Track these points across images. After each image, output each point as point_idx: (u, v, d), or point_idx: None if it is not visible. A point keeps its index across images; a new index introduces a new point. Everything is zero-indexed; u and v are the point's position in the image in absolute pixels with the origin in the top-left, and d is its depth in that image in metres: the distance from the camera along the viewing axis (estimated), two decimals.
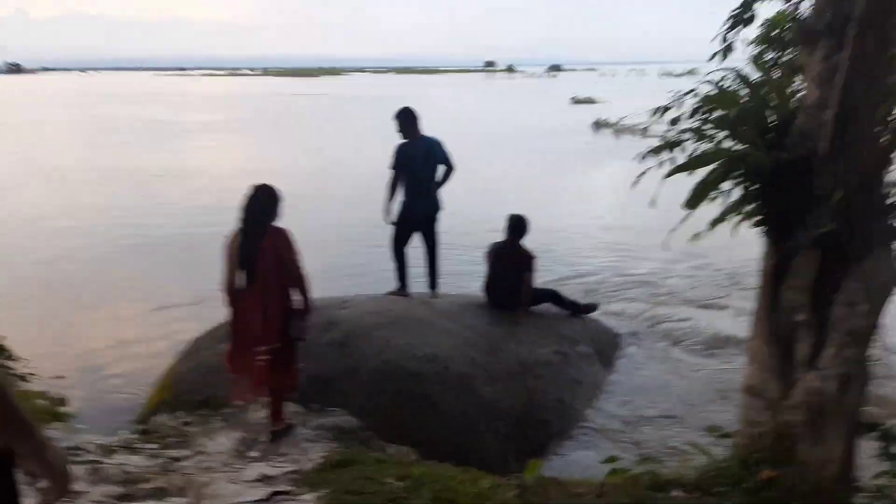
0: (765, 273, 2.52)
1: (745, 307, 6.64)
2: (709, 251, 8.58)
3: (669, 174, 2.49)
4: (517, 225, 5.57)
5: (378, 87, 76.38)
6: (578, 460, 4.10)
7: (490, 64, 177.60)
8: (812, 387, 2.36)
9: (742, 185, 2.50)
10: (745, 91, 2.64)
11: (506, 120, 31.55)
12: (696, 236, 2.63)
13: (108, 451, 3.47)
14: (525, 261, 5.55)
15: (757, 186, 2.38)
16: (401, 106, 5.61)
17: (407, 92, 59.33)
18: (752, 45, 3.75)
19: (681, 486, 2.53)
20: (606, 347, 5.76)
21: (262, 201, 3.69)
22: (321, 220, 10.60)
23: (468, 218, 10.27)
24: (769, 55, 3.57)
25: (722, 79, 2.75)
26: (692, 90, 3.01)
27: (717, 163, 2.42)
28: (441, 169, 5.60)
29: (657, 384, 5.21)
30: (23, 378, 4.53)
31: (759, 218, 2.52)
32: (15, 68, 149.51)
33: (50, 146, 22.45)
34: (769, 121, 2.41)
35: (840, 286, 2.31)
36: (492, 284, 5.61)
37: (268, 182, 3.81)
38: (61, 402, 4.22)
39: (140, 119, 33.01)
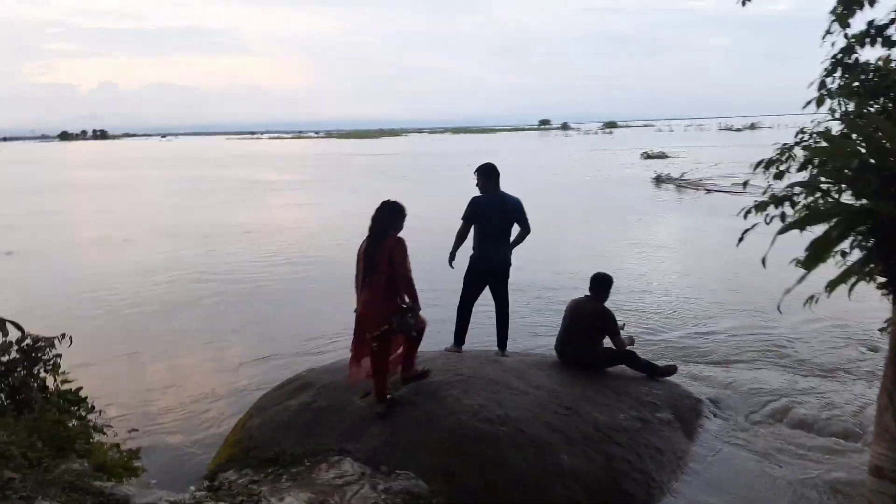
0: (894, 339, 2.26)
1: (860, 378, 6.19)
2: (817, 311, 8.13)
3: (782, 231, 2.31)
4: (600, 283, 5.39)
5: (439, 145, 78.45)
6: None
7: (545, 122, 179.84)
8: None
9: (866, 243, 2.28)
10: (856, 140, 2.47)
11: (573, 174, 31.59)
12: (812, 300, 2.42)
13: None
14: (604, 320, 5.33)
15: (883, 243, 2.17)
16: (483, 162, 5.63)
17: (472, 149, 60.79)
18: (843, 91, 3.58)
19: None
20: (687, 414, 5.38)
21: (387, 213, 4.39)
22: None
23: (541, 275, 10.17)
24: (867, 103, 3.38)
25: (825, 130, 2.59)
26: (797, 142, 2.84)
27: (837, 218, 2.23)
28: (516, 228, 5.53)
29: (746, 462, 4.78)
30: (99, 430, 4.57)
31: (885, 279, 2.29)
32: (100, 134, 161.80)
33: (146, 204, 23.84)
34: (893, 172, 2.22)
35: None
36: (566, 342, 5.40)
37: (393, 199, 4.46)
38: (134, 455, 4.22)
39: (227, 179, 34.95)
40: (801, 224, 2.35)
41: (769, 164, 4.92)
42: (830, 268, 2.44)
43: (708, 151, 43.55)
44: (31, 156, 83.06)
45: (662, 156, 40.35)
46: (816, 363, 6.65)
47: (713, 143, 54.77)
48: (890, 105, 3.29)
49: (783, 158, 5.10)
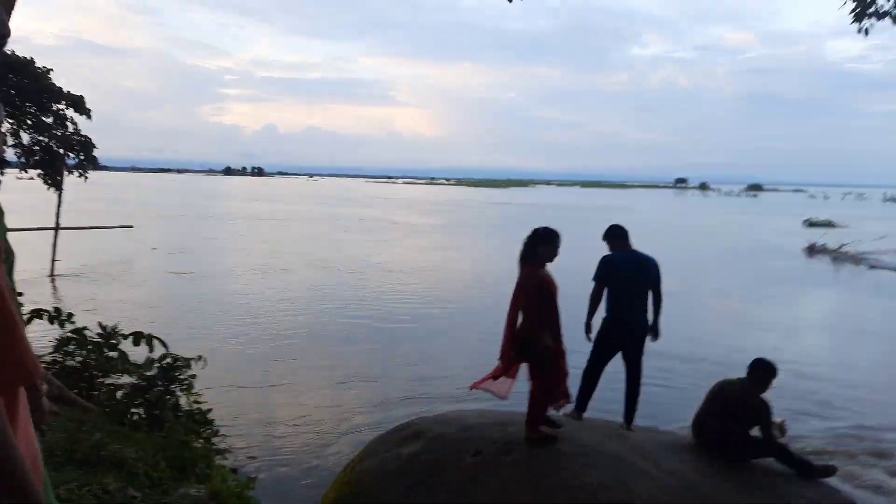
0: None
1: None
2: None
3: None
4: (762, 372, 4.77)
5: (570, 198, 77.86)
6: None
7: (681, 181, 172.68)
8: None
9: None
10: None
11: (719, 239, 29.78)
12: None
13: None
14: (759, 413, 4.71)
15: None
16: (611, 224, 5.32)
17: (604, 203, 59.66)
18: None
19: None
20: None
21: (528, 240, 4.47)
22: None
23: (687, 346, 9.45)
24: None
25: None
26: None
27: None
28: (650, 292, 5.14)
29: None
30: (221, 453, 4.72)
31: None
32: (258, 171, 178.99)
33: (304, 237, 25.76)
34: None
35: None
36: (707, 425, 4.83)
37: (546, 226, 4.53)
38: (250, 484, 4.28)
39: (372, 218, 37.17)
40: None
41: None
42: None
43: (874, 223, 39.13)
44: (201, 186, 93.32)
45: (829, 224, 36.52)
46: None
47: (878, 215, 49.30)
48: None
49: None
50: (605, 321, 5.16)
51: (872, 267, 20.59)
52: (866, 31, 4.52)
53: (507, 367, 4.57)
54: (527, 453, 4.45)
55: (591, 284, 5.22)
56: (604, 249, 5.26)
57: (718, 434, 4.74)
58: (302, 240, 24.70)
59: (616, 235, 5.24)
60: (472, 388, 4.77)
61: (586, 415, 5.31)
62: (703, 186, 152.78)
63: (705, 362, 8.74)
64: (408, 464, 4.60)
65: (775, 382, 4.85)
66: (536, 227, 4.53)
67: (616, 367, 5.26)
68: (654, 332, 5.18)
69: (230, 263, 17.81)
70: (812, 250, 24.08)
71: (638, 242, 5.24)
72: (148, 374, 4.73)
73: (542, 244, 4.44)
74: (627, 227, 5.24)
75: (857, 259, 21.92)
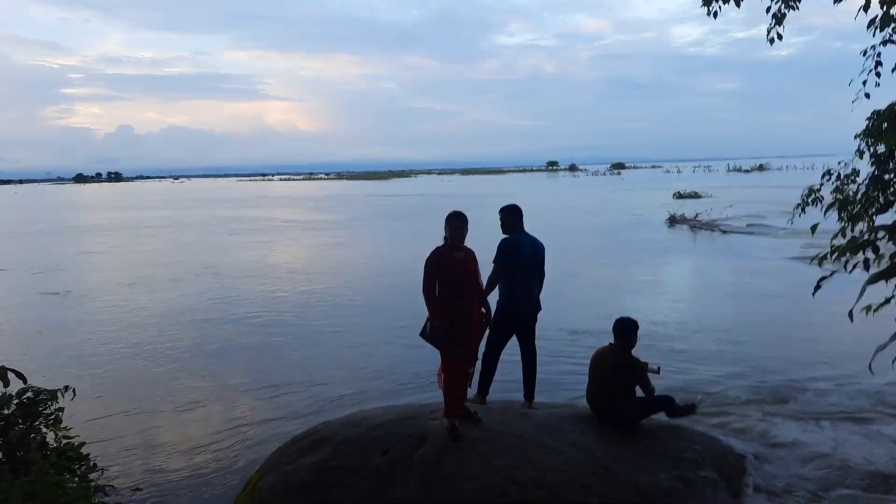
0: None
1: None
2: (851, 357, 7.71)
3: (872, 281, 2.04)
4: (626, 330, 5.05)
5: (453, 186, 79.06)
6: None
7: (553, 163, 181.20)
8: None
9: None
10: None
11: (597, 214, 31.41)
12: None
13: None
14: (631, 373, 4.99)
15: None
16: (507, 204, 5.39)
17: (489, 190, 61.11)
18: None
19: None
20: (731, 472, 4.98)
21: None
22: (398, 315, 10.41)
23: (570, 319, 9.85)
24: None
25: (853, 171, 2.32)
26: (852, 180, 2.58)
27: None
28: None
29: None
30: (101, 489, 4.26)
31: None
32: (115, 177, 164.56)
33: (188, 245, 23.73)
34: None
35: None
36: (597, 398, 5.05)
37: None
38: None
39: (258, 219, 35.30)
40: (892, 273, 2.08)
41: (805, 205, 4.66)
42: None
43: (732, 192, 43.25)
44: (50, 198, 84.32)
45: (695, 195, 39.80)
46: (863, 415, 6.21)
47: (725, 184, 54.72)
48: None
49: (809, 201, 4.86)
50: (503, 304, 5.22)
51: (724, 232, 22.76)
52: (715, 14, 4.81)
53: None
54: (437, 444, 4.41)
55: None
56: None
57: (607, 404, 4.98)
58: (186, 247, 22.87)
59: (512, 213, 5.29)
60: (440, 387, 4.80)
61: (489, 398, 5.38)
62: (573, 168, 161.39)
63: (589, 334, 9.18)
64: (313, 474, 4.39)
65: (643, 336, 5.21)
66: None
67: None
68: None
69: (110, 278, 16.21)
70: (672, 221, 26.18)
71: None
72: (5, 412, 4.16)
73: (446, 224, 4.62)
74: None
75: (711, 226, 24.13)
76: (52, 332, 10.59)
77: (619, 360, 5.02)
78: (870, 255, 2.31)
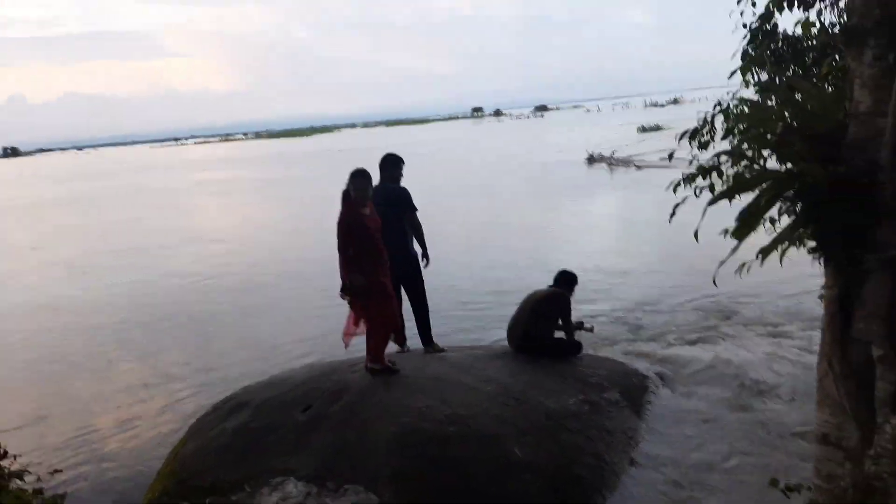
0: (829, 304, 2.23)
1: (800, 342, 6.33)
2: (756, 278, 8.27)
3: (712, 202, 2.24)
4: (566, 280, 5.50)
5: (383, 139, 77.66)
6: None
7: (477, 110, 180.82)
8: None
9: (795, 208, 2.24)
10: (777, 106, 2.42)
11: (530, 154, 31.74)
12: (744, 267, 2.36)
13: None
14: (558, 301, 5.37)
15: (812, 207, 2.12)
16: (390, 153, 5.39)
17: (411, 139, 60.42)
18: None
19: None
20: (634, 392, 5.39)
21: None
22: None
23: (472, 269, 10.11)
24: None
25: (741, 99, 2.53)
26: (718, 112, 2.79)
27: (764, 185, 2.17)
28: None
29: (693, 432, 4.82)
30: (17, 476, 4.16)
31: (816, 243, 2.25)
32: (11, 152, 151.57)
33: (114, 222, 22.20)
34: (817, 134, 2.17)
35: None
36: (517, 322, 5.38)
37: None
38: (57, 501, 3.86)
39: (180, 185, 33.48)
40: (729, 193, 2.29)
41: (693, 134, 4.95)
42: (762, 235, 2.40)
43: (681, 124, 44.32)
44: None
45: (658, 128, 40.40)
46: (754, 329, 6.80)
47: (642, 119, 56.35)
48: (800, 71, 3.31)
49: (704, 130, 5.17)
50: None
51: (639, 167, 23.64)
52: None
53: (354, 308, 4.73)
54: (356, 394, 4.54)
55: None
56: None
57: (527, 334, 5.27)
58: (110, 225, 21.20)
59: (380, 165, 5.26)
60: (346, 345, 4.88)
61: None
62: (498, 113, 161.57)
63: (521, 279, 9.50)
64: (235, 436, 4.44)
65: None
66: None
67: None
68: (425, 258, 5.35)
69: (27, 264, 15.13)
70: (591, 160, 26.92)
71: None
72: None
73: (349, 183, 4.58)
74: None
75: (626, 162, 24.99)
76: None
77: (549, 292, 5.34)
78: (716, 179, 2.51)
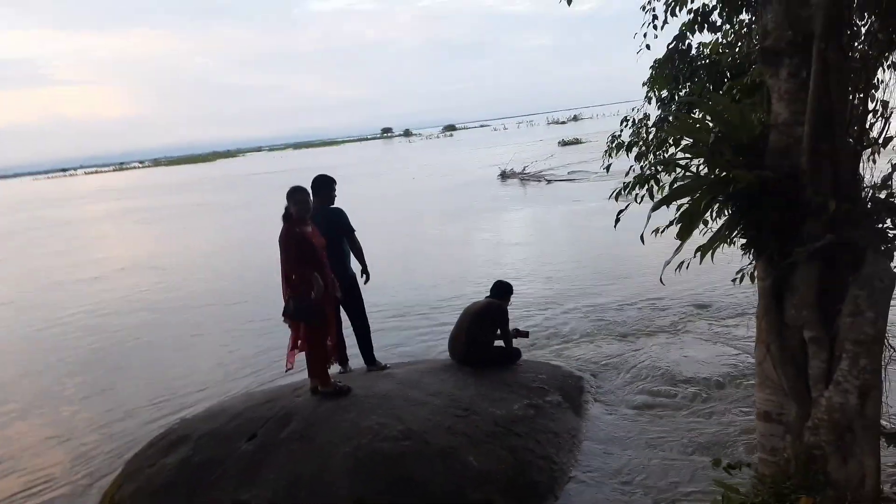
0: (764, 294, 2.48)
1: (701, 335, 6.84)
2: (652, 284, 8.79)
3: (655, 207, 2.44)
4: (502, 290, 5.66)
5: (287, 162, 75.91)
6: None
7: (387, 130, 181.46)
8: (833, 403, 2.30)
9: (727, 210, 2.48)
10: (702, 119, 2.68)
11: (433, 177, 32.00)
12: (682, 265, 2.58)
13: None
14: (494, 311, 5.52)
15: (746, 208, 2.37)
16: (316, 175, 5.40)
17: (323, 162, 59.48)
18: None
19: None
20: (573, 393, 5.63)
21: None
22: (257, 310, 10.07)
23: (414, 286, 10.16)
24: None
25: (644, 115, 2.77)
26: (644, 124, 3.02)
27: (700, 190, 2.40)
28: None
29: (631, 426, 5.09)
30: None
31: (747, 239, 2.50)
32: None
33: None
34: (742, 143, 2.43)
35: (842, 296, 2.29)
36: (457, 337, 5.50)
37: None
38: None
39: (70, 218, 30.97)
40: (670, 199, 2.50)
41: (611, 151, 5.29)
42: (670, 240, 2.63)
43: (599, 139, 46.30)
44: None
45: (578, 142, 42.58)
46: (676, 327, 7.26)
47: (545, 137, 58.60)
48: (709, 86, 3.66)
49: (613, 146, 5.54)
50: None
51: (549, 181, 24.61)
52: None
53: (294, 329, 4.72)
54: (304, 419, 4.46)
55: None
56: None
57: (469, 347, 5.38)
58: (33, 259, 19.42)
59: (311, 189, 5.09)
60: (287, 370, 4.84)
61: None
62: (407, 133, 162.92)
63: (459, 297, 9.60)
64: (178, 472, 4.24)
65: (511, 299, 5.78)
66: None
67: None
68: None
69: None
70: (504, 175, 27.72)
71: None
72: None
73: (289, 201, 4.60)
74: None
75: (537, 177, 25.94)
76: None
77: (486, 303, 5.48)
78: (654, 186, 2.73)
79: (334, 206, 5.32)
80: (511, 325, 5.80)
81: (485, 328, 5.52)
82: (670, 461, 4.44)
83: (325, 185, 5.30)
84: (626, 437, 4.91)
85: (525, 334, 6.04)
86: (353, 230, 5.27)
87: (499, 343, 5.68)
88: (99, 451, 5.69)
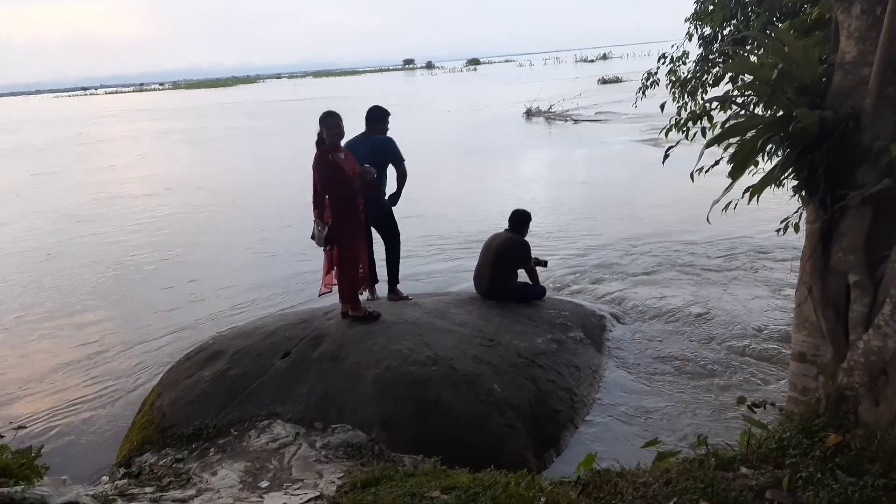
0: (811, 236, 2.48)
1: (728, 281, 6.84)
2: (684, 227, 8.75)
3: (708, 145, 2.42)
4: (519, 219, 5.58)
5: (311, 90, 74.80)
6: (600, 447, 4.02)
7: (409, 62, 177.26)
8: (872, 346, 2.34)
9: (779, 151, 2.45)
10: (766, 56, 2.61)
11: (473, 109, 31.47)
12: (729, 206, 2.58)
13: (106, 501, 3.10)
14: (517, 248, 5.51)
15: (802, 149, 2.34)
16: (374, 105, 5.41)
17: (349, 92, 58.49)
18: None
19: (747, 462, 2.47)
20: (594, 330, 5.73)
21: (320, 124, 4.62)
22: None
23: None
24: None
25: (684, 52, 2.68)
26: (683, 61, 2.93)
27: (757, 128, 2.36)
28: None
29: (650, 364, 5.20)
30: None
31: (799, 181, 2.48)
32: None
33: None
34: (804, 82, 2.37)
35: (892, 243, 2.29)
36: (481, 276, 5.55)
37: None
38: (36, 453, 3.77)
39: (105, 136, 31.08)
40: (723, 137, 2.47)
41: (645, 88, 5.15)
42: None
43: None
44: None
45: (618, 80, 41.27)
46: (708, 271, 7.27)
47: (579, 74, 56.86)
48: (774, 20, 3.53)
49: (648, 84, 5.39)
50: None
51: (576, 121, 24.12)
52: None
53: (327, 254, 4.81)
54: (336, 340, 4.61)
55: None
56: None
57: (490, 282, 5.46)
58: (86, 175, 19.47)
59: (367, 115, 5.33)
60: (321, 294, 5.02)
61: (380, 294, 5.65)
62: (430, 65, 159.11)
63: (467, 229, 9.65)
64: (215, 384, 4.45)
65: (532, 227, 5.78)
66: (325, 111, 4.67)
67: None
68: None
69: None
70: (529, 114, 27.19)
71: (399, 126, 5.43)
72: None
73: (321, 126, 4.57)
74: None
75: (563, 116, 25.42)
76: None
77: (507, 239, 5.50)
78: (706, 123, 2.69)
79: (386, 136, 5.34)
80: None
81: (506, 265, 5.56)
82: (694, 399, 4.56)
83: (380, 116, 5.36)
84: (646, 376, 5.03)
85: (544, 263, 6.01)
86: (402, 159, 5.33)
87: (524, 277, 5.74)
88: (141, 362, 5.96)
